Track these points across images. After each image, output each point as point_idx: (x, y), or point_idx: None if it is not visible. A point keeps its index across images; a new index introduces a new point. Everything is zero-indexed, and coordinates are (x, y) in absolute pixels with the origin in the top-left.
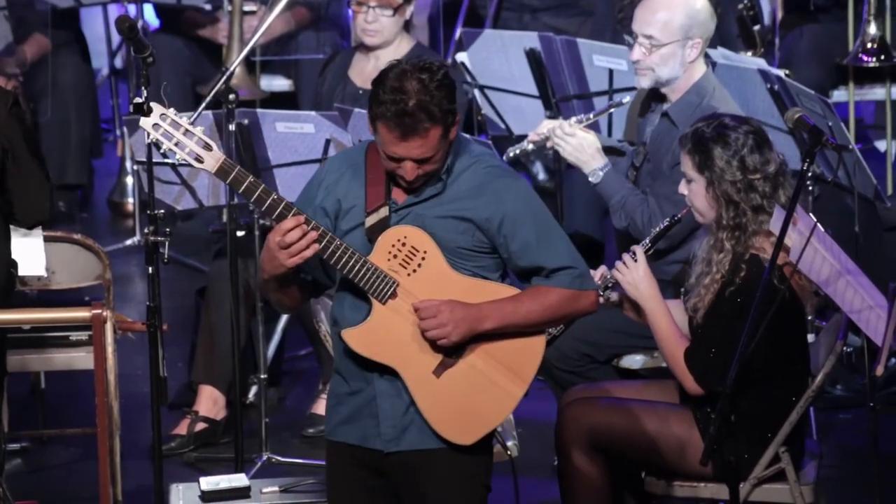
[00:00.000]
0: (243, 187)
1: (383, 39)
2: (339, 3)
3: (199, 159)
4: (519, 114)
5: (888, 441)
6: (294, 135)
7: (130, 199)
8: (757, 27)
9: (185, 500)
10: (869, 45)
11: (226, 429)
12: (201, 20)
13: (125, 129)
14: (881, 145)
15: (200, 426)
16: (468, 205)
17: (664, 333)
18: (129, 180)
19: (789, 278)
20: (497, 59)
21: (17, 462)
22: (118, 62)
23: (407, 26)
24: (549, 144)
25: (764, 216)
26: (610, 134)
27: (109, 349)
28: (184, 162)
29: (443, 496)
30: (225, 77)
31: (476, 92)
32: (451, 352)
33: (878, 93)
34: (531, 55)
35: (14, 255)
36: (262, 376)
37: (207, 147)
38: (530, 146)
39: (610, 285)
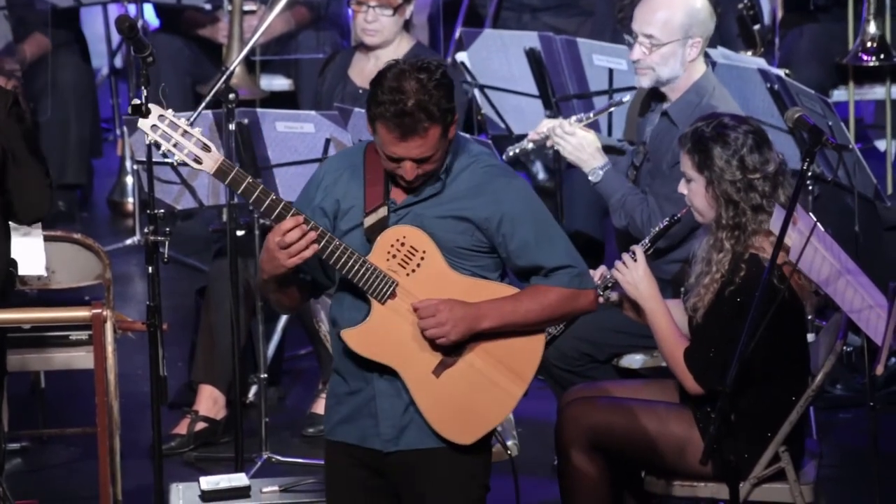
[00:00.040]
0: (242, 188)
1: (383, 39)
2: (339, 3)
3: (197, 160)
4: (519, 113)
5: (888, 440)
6: (294, 134)
7: (130, 199)
8: (757, 27)
9: (185, 499)
10: (869, 45)
11: (226, 428)
12: (201, 20)
13: (125, 129)
14: (881, 145)
15: (200, 426)
16: (467, 204)
17: (664, 333)
18: (129, 180)
19: (789, 278)
20: (497, 59)
21: (17, 461)
22: (118, 62)
23: (407, 26)
24: (549, 143)
25: (763, 216)
26: (610, 134)
27: (109, 349)
28: (182, 163)
29: (441, 496)
30: (225, 76)
31: (476, 91)
32: (451, 351)
33: (878, 92)
34: (531, 55)
35: (14, 255)
36: (262, 376)
37: (206, 148)
38: (530, 145)
39: (610, 285)
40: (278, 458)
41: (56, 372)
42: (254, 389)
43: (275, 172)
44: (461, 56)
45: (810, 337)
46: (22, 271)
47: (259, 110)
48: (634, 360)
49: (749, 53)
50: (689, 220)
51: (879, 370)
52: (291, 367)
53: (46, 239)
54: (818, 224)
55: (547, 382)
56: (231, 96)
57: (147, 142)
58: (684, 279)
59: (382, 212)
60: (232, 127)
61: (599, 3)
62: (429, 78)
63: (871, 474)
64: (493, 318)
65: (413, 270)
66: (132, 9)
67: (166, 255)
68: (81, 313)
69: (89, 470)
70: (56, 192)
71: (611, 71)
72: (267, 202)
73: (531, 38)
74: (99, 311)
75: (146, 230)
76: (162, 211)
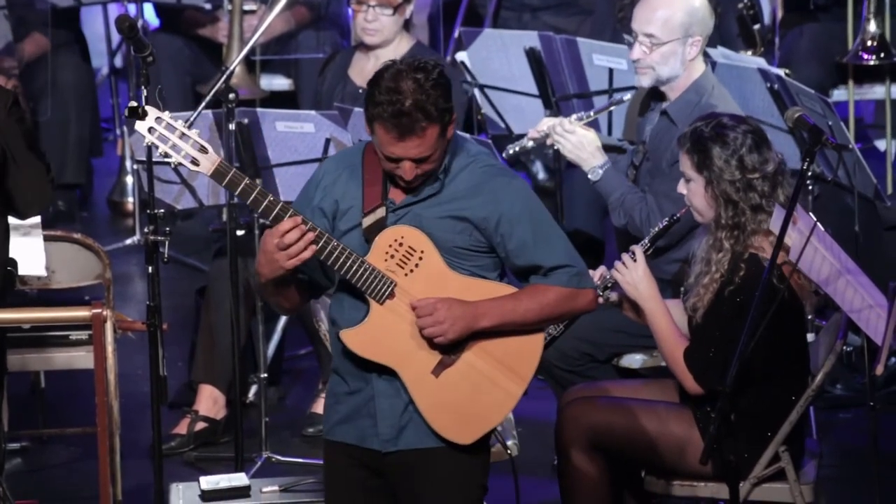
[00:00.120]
0: (239, 189)
1: (383, 38)
2: (339, 3)
3: (194, 162)
4: (519, 113)
5: (888, 440)
6: (294, 134)
7: (130, 199)
8: (757, 26)
9: (185, 499)
10: (869, 43)
11: (226, 428)
12: (201, 19)
13: (125, 129)
14: (881, 144)
15: (200, 425)
16: (465, 204)
17: (663, 333)
18: (129, 179)
19: (789, 277)
20: (497, 59)
21: (17, 461)
22: (118, 61)
23: (407, 25)
24: (549, 142)
25: (763, 215)
26: (610, 133)
27: (109, 348)
28: (180, 165)
29: (439, 496)
30: (225, 76)
31: (476, 91)
32: (450, 351)
33: (878, 92)
34: (531, 54)
35: (14, 255)
36: (262, 375)
37: (203, 150)
38: (530, 143)
39: (609, 285)
40: (278, 457)
41: (56, 372)
42: (254, 389)
43: (275, 172)
44: (461, 56)
45: (810, 337)
46: (22, 271)
47: (259, 110)
48: (634, 360)
49: (749, 53)
50: (689, 220)
51: (879, 370)
52: (291, 367)
53: (46, 239)
54: (818, 224)
55: (547, 382)
56: (231, 96)
57: (144, 143)
58: (684, 279)
59: (381, 212)
60: (232, 127)
61: (599, 2)
62: (426, 78)
63: (871, 474)
64: (491, 317)
65: (411, 270)
66: (132, 8)
67: (166, 255)
68: (81, 313)
69: (89, 470)
70: (56, 192)
71: (611, 70)
72: (265, 203)
73: (531, 38)
74: (99, 310)
75: (146, 230)
76: (162, 211)
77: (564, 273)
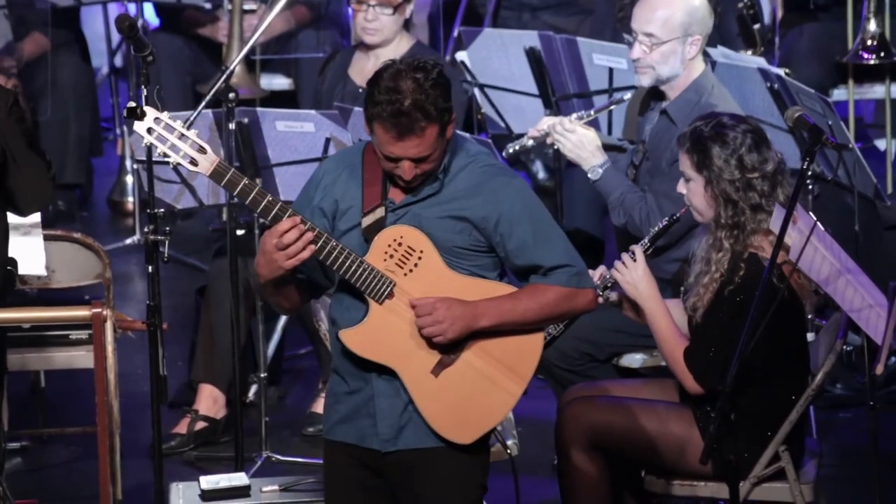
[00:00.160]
0: (238, 189)
1: (383, 38)
2: (339, 2)
3: (193, 162)
4: (519, 112)
5: (888, 440)
6: (294, 133)
7: (130, 198)
8: (757, 26)
9: (185, 498)
10: (869, 43)
11: (226, 428)
12: (201, 19)
13: (125, 128)
14: (881, 144)
15: (200, 425)
16: (465, 204)
17: (663, 333)
18: (129, 179)
19: (789, 277)
20: (497, 58)
21: (17, 461)
22: (118, 61)
23: (407, 25)
24: (548, 141)
25: (762, 215)
26: (610, 133)
27: (109, 348)
28: (178, 165)
29: (438, 496)
30: (225, 76)
31: (476, 91)
32: (449, 351)
33: (877, 91)
34: (531, 54)
35: (14, 254)
36: (262, 375)
37: (201, 150)
38: (530, 142)
39: (609, 285)
40: (278, 457)
41: (56, 371)
42: (254, 389)
43: (275, 172)
44: (461, 55)
45: (810, 336)
46: (22, 271)
47: (259, 109)
48: (634, 360)
49: (749, 53)
50: (688, 219)
51: (879, 369)
52: (291, 367)
53: (46, 238)
54: (818, 223)
55: (547, 382)
56: (231, 95)
57: (143, 144)
58: (684, 278)
59: (380, 212)
60: (232, 126)
61: (599, 2)
62: (425, 77)
63: (871, 474)
64: (491, 317)
65: (410, 270)
66: (132, 8)
67: (166, 255)
68: (81, 312)
69: (89, 469)
70: (56, 191)
71: (611, 70)
72: (263, 203)
73: (531, 38)
74: (99, 310)
75: (146, 229)
76: (162, 210)
77: (564, 273)
